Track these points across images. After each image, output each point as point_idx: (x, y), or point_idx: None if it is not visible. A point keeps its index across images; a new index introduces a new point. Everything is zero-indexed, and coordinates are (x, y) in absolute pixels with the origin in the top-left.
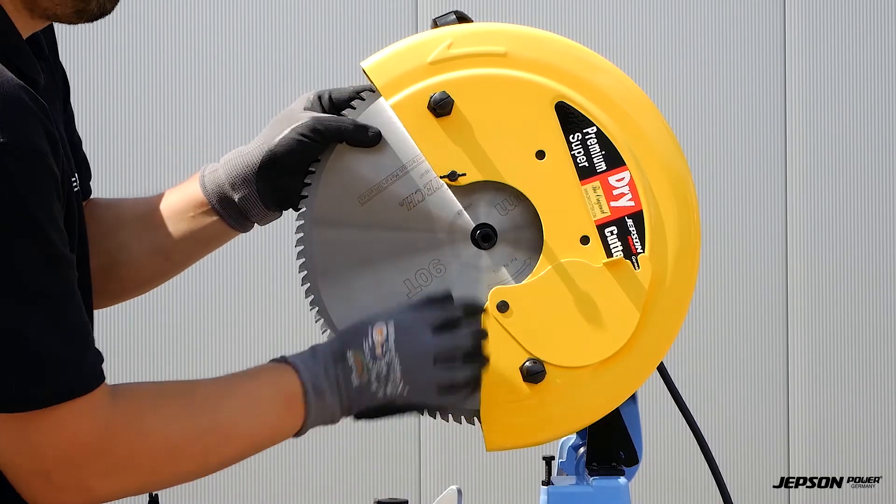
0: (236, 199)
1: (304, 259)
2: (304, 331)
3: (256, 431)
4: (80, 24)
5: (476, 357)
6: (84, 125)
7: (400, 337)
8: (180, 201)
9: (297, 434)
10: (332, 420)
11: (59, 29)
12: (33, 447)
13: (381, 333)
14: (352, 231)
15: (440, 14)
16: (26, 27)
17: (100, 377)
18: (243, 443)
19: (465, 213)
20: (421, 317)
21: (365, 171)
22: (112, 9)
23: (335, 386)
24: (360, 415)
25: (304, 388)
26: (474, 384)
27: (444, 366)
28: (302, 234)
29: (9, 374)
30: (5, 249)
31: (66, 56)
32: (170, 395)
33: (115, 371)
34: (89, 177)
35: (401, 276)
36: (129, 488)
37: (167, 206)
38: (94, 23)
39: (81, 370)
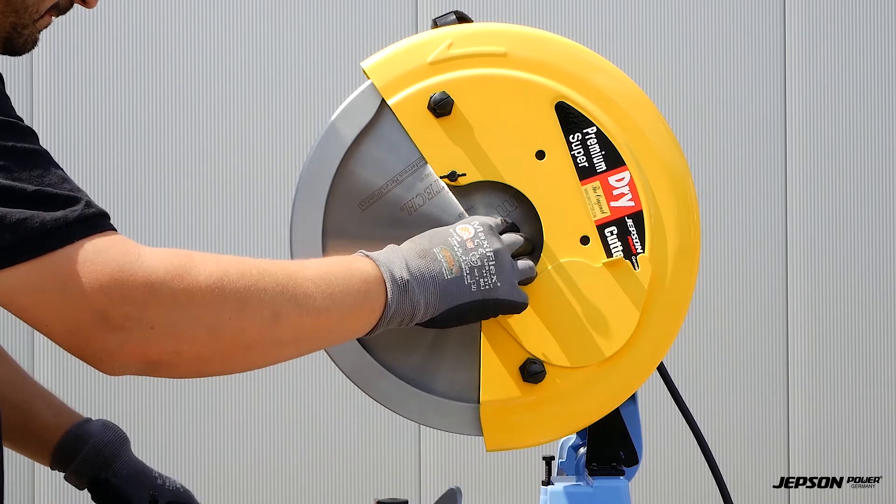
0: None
1: None
2: None
3: (331, 309)
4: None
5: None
6: (84, 125)
7: (486, 233)
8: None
9: (372, 331)
10: (413, 317)
11: (59, 30)
12: (80, 291)
13: (467, 231)
14: (354, 239)
15: (440, 14)
16: None
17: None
18: (317, 319)
19: (466, 215)
20: (488, 220)
21: (365, 177)
22: (29, 50)
23: (421, 279)
24: (440, 319)
25: (384, 277)
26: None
27: (515, 260)
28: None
29: (23, 219)
30: None
31: (66, 56)
32: (231, 256)
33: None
34: None
35: None
36: (198, 329)
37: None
38: (96, 24)
39: (94, 207)
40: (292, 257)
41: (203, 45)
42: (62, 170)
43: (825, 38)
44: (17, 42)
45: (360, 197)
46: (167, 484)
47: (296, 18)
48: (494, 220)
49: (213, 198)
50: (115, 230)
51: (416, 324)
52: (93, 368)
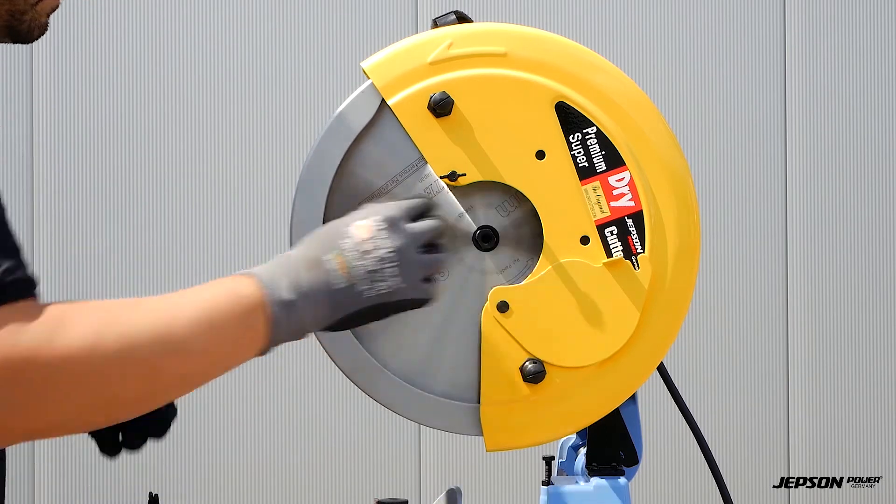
0: None
1: None
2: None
3: (211, 350)
4: (15, 47)
5: (444, 238)
6: (84, 125)
7: (387, 229)
8: None
9: (263, 352)
10: (301, 333)
11: (60, 30)
12: None
13: (365, 229)
14: None
15: (440, 14)
16: None
17: (24, 288)
18: (198, 361)
19: (466, 215)
20: (400, 208)
21: (365, 177)
22: (37, 37)
23: (309, 294)
24: (336, 325)
25: (266, 297)
26: (441, 270)
27: (425, 250)
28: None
29: None
30: None
31: (66, 56)
32: (104, 312)
33: None
34: None
35: None
36: (77, 403)
37: None
38: (96, 23)
39: (12, 275)
40: None
41: (203, 45)
42: (3, 224)
43: (825, 38)
44: (21, 29)
45: (360, 197)
46: None
47: (296, 18)
48: (403, 207)
49: (213, 198)
50: (28, 296)
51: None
52: None
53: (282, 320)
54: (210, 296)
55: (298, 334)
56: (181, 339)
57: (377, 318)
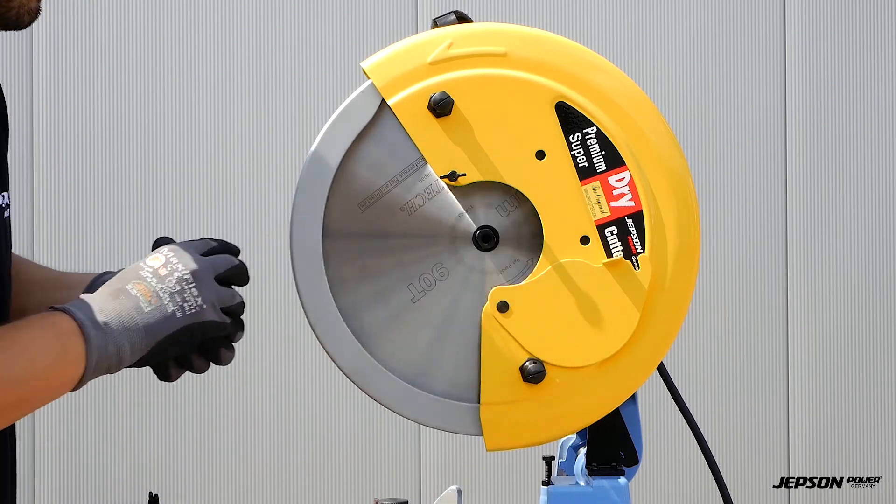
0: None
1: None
2: (304, 343)
3: (29, 379)
4: (16, 47)
5: (242, 280)
6: (84, 124)
7: (177, 256)
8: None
9: (78, 385)
10: (119, 363)
11: (59, 29)
12: None
13: (156, 259)
14: (354, 240)
15: (440, 14)
16: None
17: None
18: (17, 390)
19: (466, 215)
20: (185, 244)
21: (365, 177)
22: (28, 23)
23: (119, 319)
24: (154, 354)
25: (81, 329)
26: (242, 310)
27: (221, 284)
28: (307, 247)
29: None
30: None
31: (66, 56)
32: None
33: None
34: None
35: (404, 282)
36: None
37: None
38: (96, 23)
39: None
40: (292, 257)
41: (203, 46)
42: None
43: (825, 37)
44: (9, 16)
45: (360, 197)
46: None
47: (296, 18)
48: (190, 243)
49: (213, 198)
50: None
51: (130, 365)
52: None
53: (97, 341)
54: (21, 328)
55: (116, 362)
56: (2, 370)
57: (192, 346)
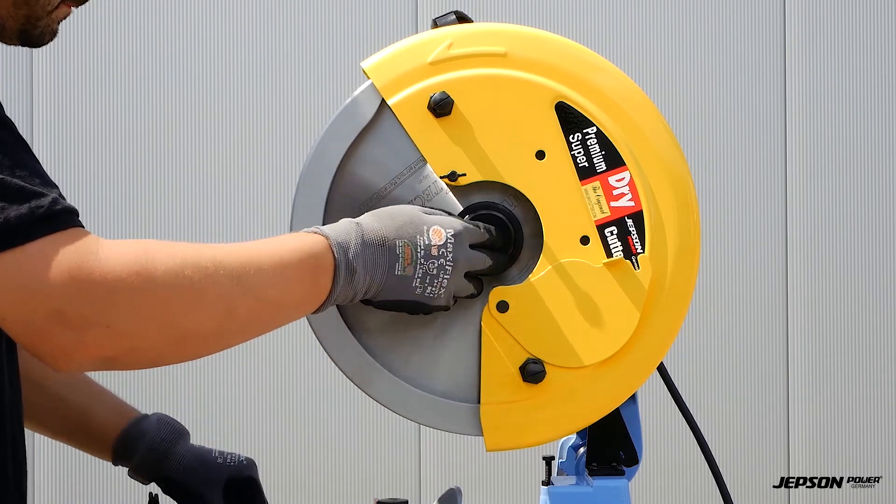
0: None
1: None
2: (304, 343)
3: (282, 298)
4: (16, 47)
5: (480, 279)
6: (84, 124)
7: (456, 243)
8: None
9: (318, 310)
10: (354, 298)
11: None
12: (38, 287)
13: (439, 236)
14: None
15: (440, 14)
16: None
17: (73, 217)
18: (267, 307)
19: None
20: (467, 230)
21: (365, 177)
22: (48, 42)
23: (371, 268)
24: (377, 305)
25: (335, 266)
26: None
27: (467, 277)
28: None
29: None
30: None
31: (66, 55)
32: (187, 246)
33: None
34: None
35: None
36: (155, 327)
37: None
38: (96, 23)
39: (64, 202)
40: None
41: (203, 46)
42: (36, 161)
43: (825, 38)
44: (33, 34)
45: (361, 198)
46: (229, 460)
47: (296, 18)
48: (472, 230)
49: (214, 198)
50: (82, 226)
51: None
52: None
53: (343, 285)
54: (287, 250)
55: (349, 300)
56: (257, 284)
57: (410, 312)
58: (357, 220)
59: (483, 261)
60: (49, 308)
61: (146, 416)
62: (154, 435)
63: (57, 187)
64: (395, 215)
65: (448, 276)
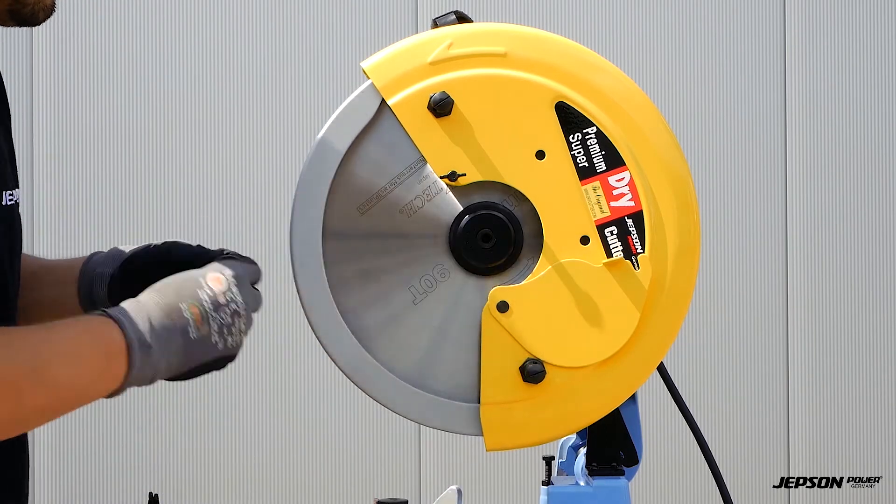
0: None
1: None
2: (304, 343)
3: (74, 382)
4: (13, 28)
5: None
6: (84, 123)
7: (239, 286)
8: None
9: (113, 394)
10: (152, 379)
11: (60, 29)
12: None
13: (219, 282)
14: (354, 241)
15: (440, 14)
16: None
17: None
18: (60, 393)
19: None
20: (244, 268)
21: (365, 177)
22: (43, 19)
23: (166, 342)
24: (182, 375)
25: (128, 344)
26: None
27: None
28: (307, 248)
29: None
30: None
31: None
32: None
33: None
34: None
35: (405, 284)
36: None
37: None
38: (96, 23)
39: None
40: (293, 258)
41: (203, 46)
42: None
43: (825, 38)
44: (24, 12)
45: (360, 198)
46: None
47: (296, 18)
48: (249, 270)
49: (214, 198)
50: None
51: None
52: None
53: (139, 364)
54: (75, 334)
55: (148, 381)
56: (49, 372)
57: (212, 370)
58: (136, 298)
59: (258, 298)
60: None
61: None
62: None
63: None
64: (168, 282)
65: (243, 322)
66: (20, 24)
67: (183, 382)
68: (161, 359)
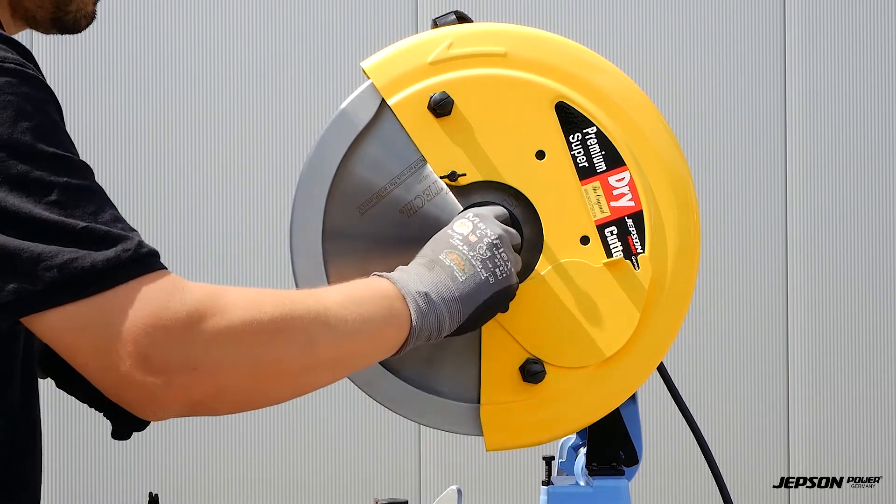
0: None
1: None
2: None
3: (362, 331)
4: (55, 35)
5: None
6: (84, 123)
7: (484, 221)
8: None
9: (401, 349)
10: (440, 333)
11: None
12: (123, 332)
13: (464, 226)
14: (354, 241)
15: (440, 14)
16: (7, 29)
17: (156, 260)
18: (350, 342)
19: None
20: (485, 209)
21: (365, 177)
22: (85, 26)
23: (438, 290)
24: (467, 323)
25: (400, 288)
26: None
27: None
28: (307, 248)
29: (73, 258)
30: (41, 150)
31: (67, 55)
32: (262, 289)
33: None
34: None
35: None
36: (238, 365)
37: None
38: (96, 23)
39: (147, 245)
40: (293, 258)
41: (203, 46)
42: (115, 208)
43: (825, 38)
44: (67, 20)
45: (361, 198)
46: None
47: (296, 18)
48: (490, 209)
49: (214, 198)
50: (165, 268)
51: (447, 335)
52: None
53: (419, 313)
54: (351, 288)
55: (437, 331)
56: (335, 317)
57: (502, 309)
58: (405, 268)
59: (515, 234)
60: (133, 352)
61: None
62: None
63: (137, 231)
64: (422, 251)
65: (501, 249)
66: (62, 32)
67: None
68: (442, 307)
